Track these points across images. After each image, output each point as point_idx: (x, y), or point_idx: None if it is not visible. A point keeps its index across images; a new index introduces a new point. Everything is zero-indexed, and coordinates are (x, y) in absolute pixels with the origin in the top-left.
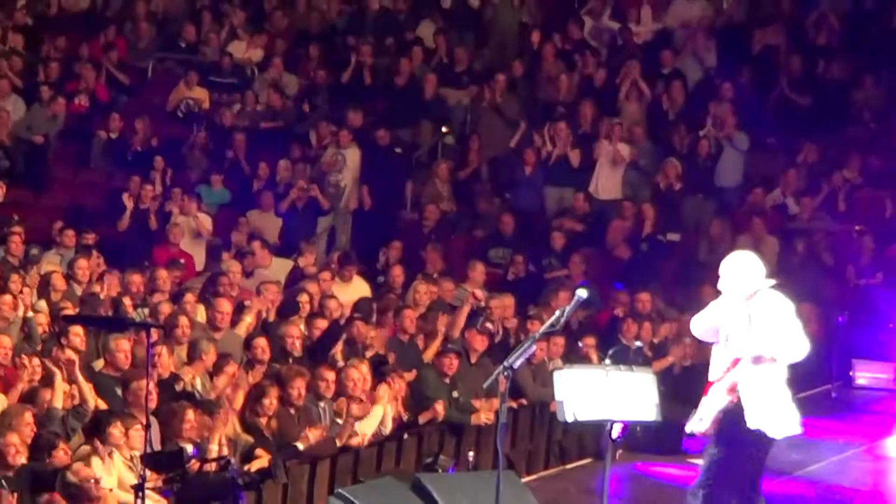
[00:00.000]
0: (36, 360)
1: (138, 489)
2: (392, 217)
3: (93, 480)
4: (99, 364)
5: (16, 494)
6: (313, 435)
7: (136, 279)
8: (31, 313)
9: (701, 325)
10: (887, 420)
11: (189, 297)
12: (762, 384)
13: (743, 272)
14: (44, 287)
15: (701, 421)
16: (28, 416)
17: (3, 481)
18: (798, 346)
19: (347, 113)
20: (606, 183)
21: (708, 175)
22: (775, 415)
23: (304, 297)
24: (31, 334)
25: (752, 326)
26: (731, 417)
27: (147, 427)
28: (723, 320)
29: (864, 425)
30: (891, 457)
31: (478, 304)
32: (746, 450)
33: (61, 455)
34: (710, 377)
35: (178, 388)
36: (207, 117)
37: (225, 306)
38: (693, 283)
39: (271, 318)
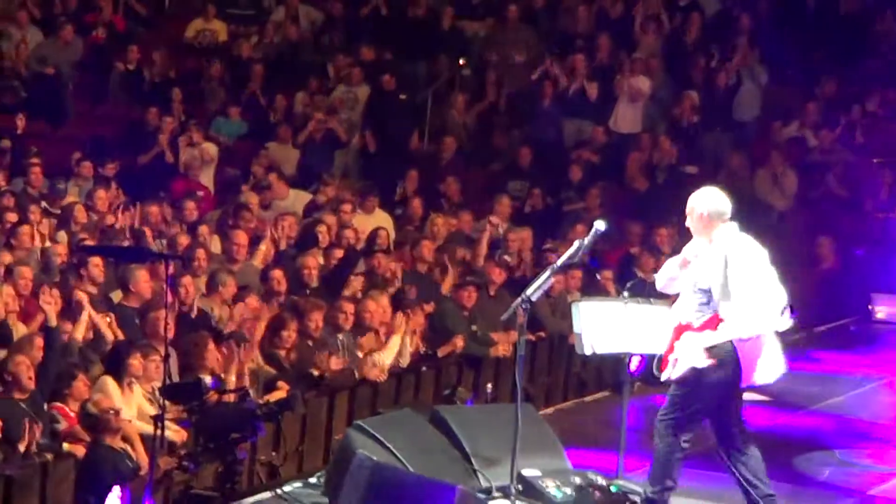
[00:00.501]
0: (56, 291)
1: (157, 420)
2: (403, 154)
3: (112, 412)
4: (118, 296)
5: (41, 424)
6: (332, 365)
7: (155, 210)
8: (48, 244)
9: (665, 275)
10: None
11: (203, 230)
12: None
13: (711, 208)
14: (64, 218)
15: (674, 369)
16: (38, 342)
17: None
18: (774, 306)
19: (361, 48)
20: (625, 116)
21: (726, 108)
22: (760, 366)
23: (322, 228)
24: (49, 266)
25: (728, 273)
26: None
27: (166, 358)
28: (694, 264)
29: (883, 359)
30: None
31: (497, 232)
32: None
33: (80, 386)
34: (681, 319)
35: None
36: (225, 49)
37: (242, 238)
38: None
39: (283, 247)
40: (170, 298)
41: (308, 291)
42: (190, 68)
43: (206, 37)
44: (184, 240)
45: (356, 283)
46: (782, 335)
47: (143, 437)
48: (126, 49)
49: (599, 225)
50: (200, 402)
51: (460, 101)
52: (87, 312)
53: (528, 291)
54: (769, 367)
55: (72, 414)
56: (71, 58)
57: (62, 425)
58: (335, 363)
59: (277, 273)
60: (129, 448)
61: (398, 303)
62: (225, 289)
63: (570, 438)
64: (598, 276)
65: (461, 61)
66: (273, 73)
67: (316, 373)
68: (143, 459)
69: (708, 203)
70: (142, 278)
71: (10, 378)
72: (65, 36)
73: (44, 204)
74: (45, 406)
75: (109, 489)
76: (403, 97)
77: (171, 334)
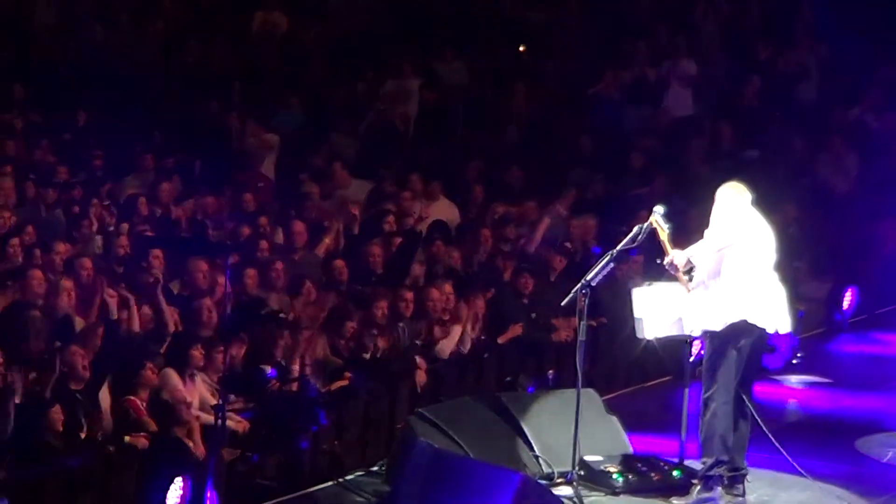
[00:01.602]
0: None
1: (219, 410)
2: (466, 143)
3: (184, 402)
4: (176, 287)
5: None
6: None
7: (214, 202)
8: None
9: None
10: None
11: (264, 220)
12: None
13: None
14: (126, 211)
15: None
16: (98, 333)
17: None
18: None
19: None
20: (683, 101)
21: (787, 92)
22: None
23: (386, 217)
24: (111, 257)
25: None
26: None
27: (227, 349)
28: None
29: None
30: None
31: (560, 219)
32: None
33: (149, 376)
34: None
35: (263, 310)
36: (286, 40)
37: (302, 227)
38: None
39: (344, 240)
40: (228, 289)
41: (373, 280)
42: (251, 60)
43: (267, 27)
44: (245, 230)
45: (418, 270)
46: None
47: (204, 428)
48: (187, 41)
49: (659, 209)
50: (262, 393)
51: (521, 89)
52: (160, 301)
53: (588, 277)
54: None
55: (141, 405)
56: (132, 51)
57: (130, 416)
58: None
59: (339, 262)
60: (189, 439)
61: (460, 290)
62: (284, 279)
63: (632, 423)
64: (658, 261)
65: (521, 48)
66: (334, 63)
67: (367, 355)
68: (202, 450)
69: (724, 193)
70: (199, 269)
71: (66, 369)
72: (126, 29)
73: (106, 197)
74: (111, 398)
75: (171, 481)
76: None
77: (226, 324)
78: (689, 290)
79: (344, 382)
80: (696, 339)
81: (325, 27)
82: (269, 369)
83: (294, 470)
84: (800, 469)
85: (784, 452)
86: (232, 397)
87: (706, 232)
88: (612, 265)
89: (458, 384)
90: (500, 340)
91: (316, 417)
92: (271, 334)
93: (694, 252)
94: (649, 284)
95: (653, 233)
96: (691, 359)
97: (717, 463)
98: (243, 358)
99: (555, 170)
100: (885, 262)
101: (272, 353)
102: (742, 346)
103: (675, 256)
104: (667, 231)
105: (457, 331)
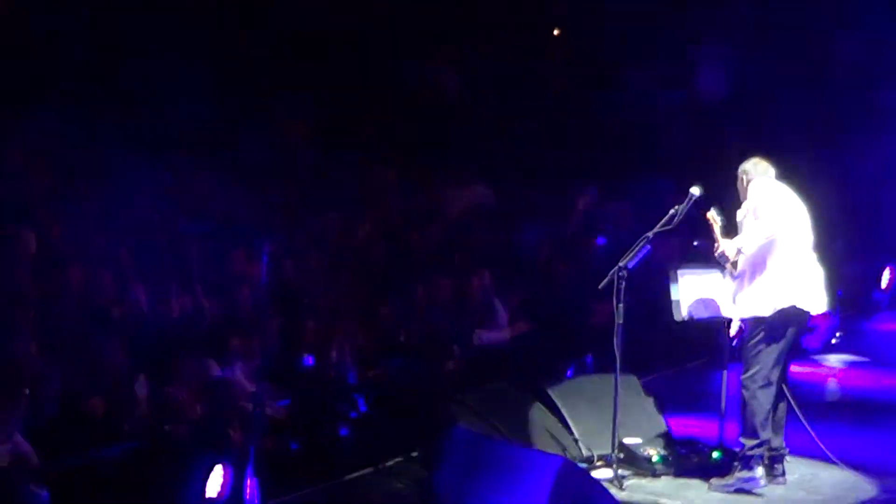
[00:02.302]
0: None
1: (257, 398)
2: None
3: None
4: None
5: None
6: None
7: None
8: None
9: None
10: None
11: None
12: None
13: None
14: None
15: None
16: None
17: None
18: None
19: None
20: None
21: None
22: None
23: (424, 203)
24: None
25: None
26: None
27: (264, 337)
28: None
29: None
30: None
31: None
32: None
33: (191, 364)
34: None
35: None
36: None
37: (337, 215)
38: None
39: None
40: (265, 278)
41: (412, 266)
42: None
43: None
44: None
45: (457, 258)
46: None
47: (243, 416)
48: None
49: (694, 191)
50: (300, 380)
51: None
52: (197, 291)
53: (625, 259)
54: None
55: (181, 394)
56: None
57: (170, 405)
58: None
59: (377, 250)
60: (229, 427)
61: (498, 278)
62: (319, 266)
63: (671, 406)
64: (696, 244)
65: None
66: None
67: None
68: (241, 438)
69: (748, 168)
70: (236, 258)
71: (103, 358)
72: None
73: None
74: (149, 387)
75: (211, 469)
76: None
77: (263, 313)
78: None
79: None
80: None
81: None
82: (306, 357)
83: (333, 457)
84: (831, 455)
85: (815, 437)
86: (270, 385)
87: (740, 214)
88: (648, 248)
89: (495, 371)
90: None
91: (354, 404)
92: (308, 322)
93: (742, 242)
94: (687, 267)
95: (690, 215)
96: (733, 342)
97: (759, 444)
98: (281, 346)
99: (586, 153)
100: None
101: (309, 341)
102: (790, 331)
103: (726, 247)
104: (720, 223)
105: (499, 318)
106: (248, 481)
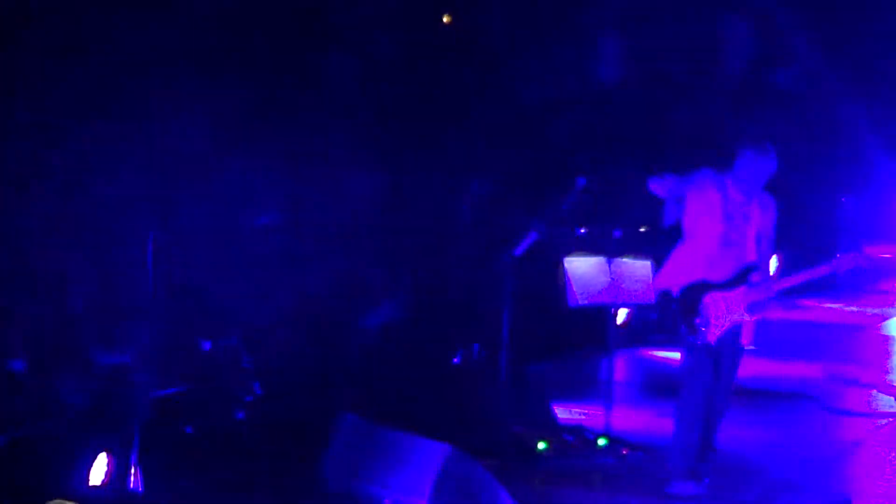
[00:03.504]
0: None
1: (142, 386)
2: None
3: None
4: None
5: None
6: None
7: None
8: None
9: None
10: None
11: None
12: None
13: None
14: None
15: None
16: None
17: None
18: None
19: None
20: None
21: None
22: None
23: None
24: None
25: None
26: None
27: (151, 324)
28: None
29: (871, 306)
30: None
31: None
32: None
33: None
34: None
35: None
36: None
37: None
38: None
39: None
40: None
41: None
42: None
43: None
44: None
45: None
46: None
47: (130, 403)
48: None
49: (581, 181)
50: (196, 364)
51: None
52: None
53: (511, 248)
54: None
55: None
56: None
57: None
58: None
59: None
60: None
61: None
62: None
63: (559, 394)
64: (582, 231)
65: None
66: None
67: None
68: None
69: None
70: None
71: None
72: None
73: None
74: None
75: (95, 457)
76: None
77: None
78: None
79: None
80: (621, 307)
81: None
82: (203, 342)
83: (228, 442)
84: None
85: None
86: (163, 371)
87: None
88: (535, 235)
89: (387, 355)
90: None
91: (250, 388)
92: (203, 306)
93: None
94: (575, 255)
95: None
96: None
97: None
98: (174, 331)
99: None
100: (810, 228)
101: (204, 326)
102: None
103: None
104: None
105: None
106: (133, 469)
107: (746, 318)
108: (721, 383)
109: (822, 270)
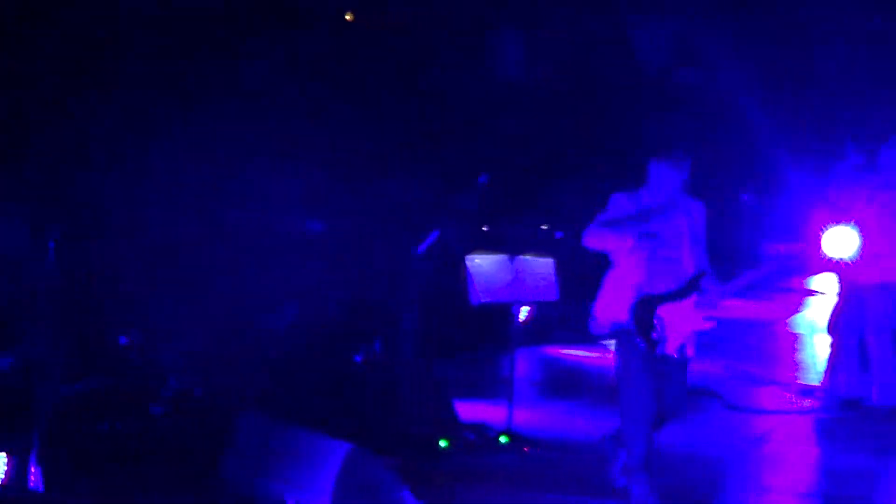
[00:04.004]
0: None
1: (46, 384)
2: None
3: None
4: None
5: None
6: None
7: None
8: None
9: None
10: None
11: None
12: None
13: None
14: None
15: None
16: None
17: None
18: None
19: None
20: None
21: None
22: None
23: None
24: None
25: None
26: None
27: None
28: None
29: (773, 304)
30: None
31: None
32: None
33: None
34: None
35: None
36: None
37: None
38: None
39: None
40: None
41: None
42: None
43: None
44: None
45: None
46: None
47: (30, 402)
48: None
49: (483, 177)
50: (112, 360)
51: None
52: None
53: (414, 245)
54: None
55: None
56: None
57: None
58: None
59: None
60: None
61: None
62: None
63: (462, 392)
64: (484, 228)
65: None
66: None
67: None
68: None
69: None
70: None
71: None
72: None
73: None
74: None
75: None
76: None
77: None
78: None
79: None
80: (523, 305)
81: None
82: (121, 337)
83: (141, 440)
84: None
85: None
86: (74, 368)
87: None
88: (437, 233)
89: (291, 353)
90: None
91: (165, 383)
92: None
93: None
94: (479, 252)
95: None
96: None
97: None
98: (86, 327)
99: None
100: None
101: (117, 322)
102: None
103: None
104: None
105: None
106: (32, 469)
107: (704, 325)
108: (672, 386)
109: (766, 270)
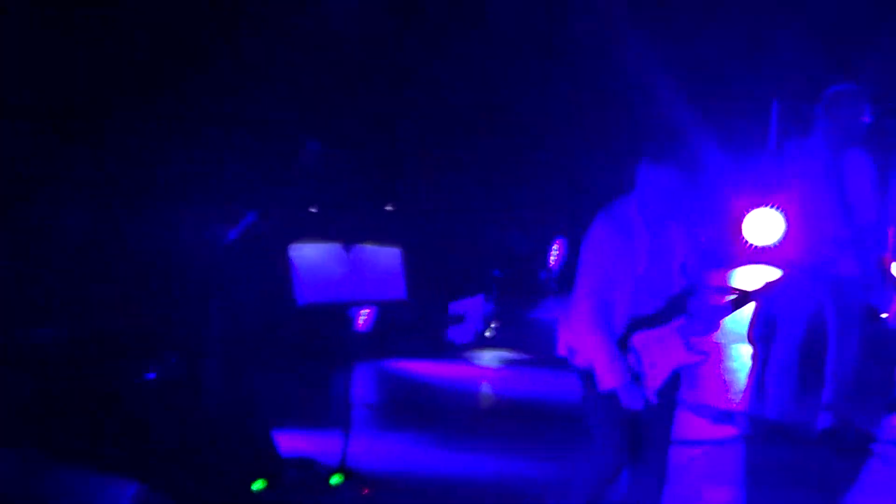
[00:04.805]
0: None
1: None
2: None
3: None
4: None
5: None
6: None
7: None
8: None
9: None
10: None
11: None
12: None
13: None
14: None
15: None
16: None
17: None
18: None
19: None
20: None
21: None
22: None
23: None
24: None
25: None
26: None
27: None
28: None
29: None
30: None
31: None
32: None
33: None
34: None
35: None
36: None
37: None
38: None
39: None
40: None
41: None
42: None
43: None
44: None
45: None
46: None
47: None
48: None
49: (312, 144)
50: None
51: None
52: None
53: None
54: None
55: None
56: None
57: None
58: None
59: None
60: None
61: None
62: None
63: (285, 417)
64: (312, 210)
65: None
66: None
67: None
68: None
69: None
70: None
71: None
72: None
73: None
74: None
75: None
76: None
77: None
78: None
79: None
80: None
81: None
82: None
83: None
84: None
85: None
86: None
87: None
88: (252, 216)
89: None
90: None
91: None
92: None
93: None
94: (304, 241)
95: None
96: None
97: None
98: None
99: None
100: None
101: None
102: None
103: None
104: None
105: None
106: None
107: (692, 359)
108: (654, 442)
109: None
